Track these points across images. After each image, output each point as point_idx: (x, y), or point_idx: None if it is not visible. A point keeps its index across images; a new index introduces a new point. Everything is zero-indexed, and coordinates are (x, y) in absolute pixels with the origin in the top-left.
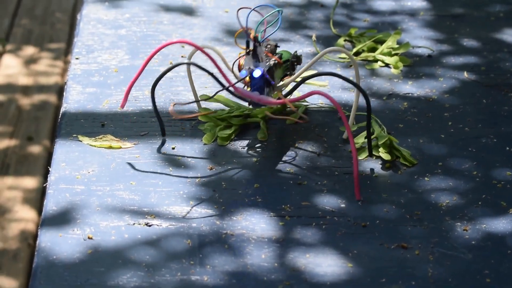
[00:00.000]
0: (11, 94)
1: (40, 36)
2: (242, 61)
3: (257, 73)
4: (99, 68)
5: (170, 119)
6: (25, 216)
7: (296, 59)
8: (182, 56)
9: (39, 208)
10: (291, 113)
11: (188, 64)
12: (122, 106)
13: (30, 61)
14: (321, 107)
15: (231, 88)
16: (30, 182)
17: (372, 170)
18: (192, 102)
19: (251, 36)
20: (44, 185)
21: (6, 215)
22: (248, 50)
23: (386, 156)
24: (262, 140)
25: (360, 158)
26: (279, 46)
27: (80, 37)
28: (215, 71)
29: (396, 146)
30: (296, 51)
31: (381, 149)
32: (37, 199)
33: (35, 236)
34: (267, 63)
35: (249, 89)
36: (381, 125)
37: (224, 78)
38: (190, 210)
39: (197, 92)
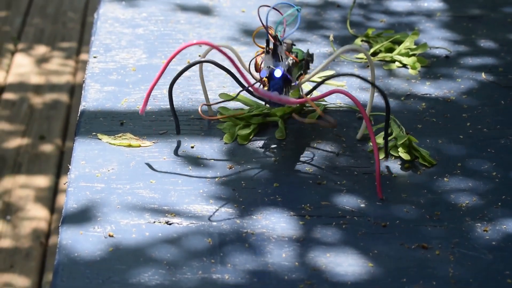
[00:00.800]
0: (23, 93)
1: (52, 35)
2: (258, 60)
3: (278, 73)
4: (117, 66)
5: (189, 118)
6: (37, 214)
7: (310, 58)
8: (199, 55)
9: (51, 206)
10: (310, 112)
11: (206, 62)
12: (142, 112)
13: (42, 60)
14: (339, 106)
15: (250, 88)
16: (42, 181)
17: (391, 170)
18: (219, 103)
19: (271, 34)
20: (65, 183)
21: (19, 213)
22: (268, 49)
23: (405, 156)
24: (280, 140)
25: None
26: (294, 45)
27: (98, 36)
28: (233, 70)
29: (415, 146)
30: (308, 50)
31: (400, 149)
32: (49, 197)
33: (47, 235)
34: (287, 63)
35: (266, 88)
36: (400, 125)
37: (242, 77)
38: (210, 208)
39: (216, 91)
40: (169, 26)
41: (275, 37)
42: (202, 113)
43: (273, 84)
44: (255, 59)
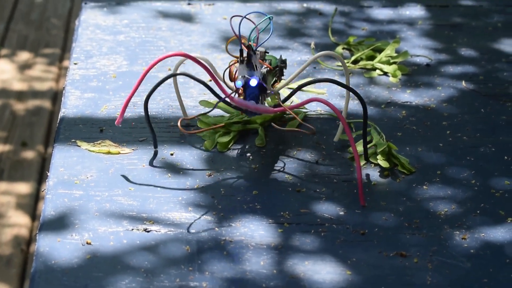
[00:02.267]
0: (6, 99)
1: (35, 41)
2: (233, 69)
3: (253, 82)
4: (98, 73)
5: (169, 125)
6: (18, 221)
7: (284, 64)
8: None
9: (32, 213)
10: (291, 120)
11: (180, 74)
12: (118, 123)
13: (24, 66)
14: (320, 114)
15: (227, 99)
16: (23, 188)
17: (370, 178)
18: (199, 116)
19: (244, 44)
20: (42, 190)
21: (0, 220)
22: (241, 58)
23: (384, 164)
24: (260, 147)
25: (350, 156)
26: (268, 52)
27: (79, 43)
28: (208, 79)
29: (395, 153)
30: (281, 56)
31: (379, 157)
32: (30, 204)
33: (28, 242)
34: (261, 71)
35: (242, 97)
36: (380, 132)
37: (219, 88)
38: (189, 216)
39: (197, 98)
40: (150, 33)
41: (248, 47)
42: (181, 128)
43: (249, 93)
44: (229, 68)
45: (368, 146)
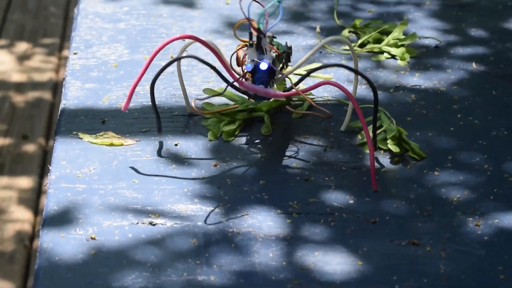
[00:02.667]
0: (5, 91)
1: (33, 31)
2: (240, 53)
3: (264, 65)
4: (98, 63)
5: (172, 114)
6: (21, 217)
7: (290, 50)
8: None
9: (35, 208)
10: (297, 106)
11: (188, 57)
12: (125, 108)
13: (23, 57)
14: (327, 100)
15: (236, 83)
16: (25, 182)
17: (381, 165)
18: (210, 97)
19: (254, 27)
20: (45, 184)
21: (2, 216)
22: (251, 42)
23: (395, 149)
24: (267, 135)
25: (366, 151)
26: (275, 37)
27: (78, 32)
28: (217, 65)
29: (405, 138)
30: (287, 42)
31: (389, 141)
32: (33, 199)
33: (31, 237)
34: (271, 55)
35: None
36: (390, 117)
37: (228, 72)
38: (195, 208)
39: (200, 86)
40: (151, 20)
41: (258, 30)
42: (195, 108)
43: (258, 77)
44: (236, 53)
45: (378, 131)
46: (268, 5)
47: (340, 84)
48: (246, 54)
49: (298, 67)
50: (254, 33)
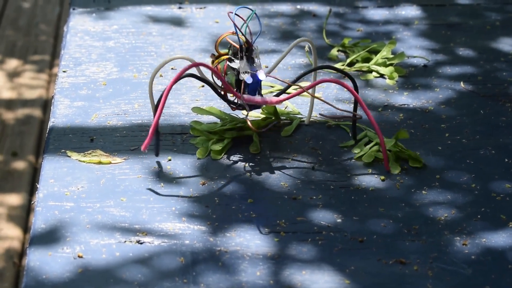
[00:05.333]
0: None
1: (24, 48)
2: (219, 66)
3: (262, 75)
4: (87, 81)
5: (161, 133)
6: (10, 234)
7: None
8: (172, 68)
9: (24, 225)
10: (287, 125)
11: (189, 76)
12: (144, 148)
13: (13, 74)
14: (314, 118)
15: (238, 99)
16: (15, 199)
17: (368, 184)
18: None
19: (248, 40)
20: (32, 202)
21: None
22: (241, 55)
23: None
24: (255, 154)
25: (360, 167)
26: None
27: (67, 50)
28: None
29: (402, 147)
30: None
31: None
32: (22, 216)
33: (20, 255)
34: (260, 64)
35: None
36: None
37: (231, 91)
38: (183, 226)
39: (189, 104)
40: (140, 38)
41: (248, 42)
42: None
43: (254, 88)
44: (216, 67)
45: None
46: (248, 18)
47: (339, 80)
48: (227, 67)
49: (274, 67)
50: (243, 46)
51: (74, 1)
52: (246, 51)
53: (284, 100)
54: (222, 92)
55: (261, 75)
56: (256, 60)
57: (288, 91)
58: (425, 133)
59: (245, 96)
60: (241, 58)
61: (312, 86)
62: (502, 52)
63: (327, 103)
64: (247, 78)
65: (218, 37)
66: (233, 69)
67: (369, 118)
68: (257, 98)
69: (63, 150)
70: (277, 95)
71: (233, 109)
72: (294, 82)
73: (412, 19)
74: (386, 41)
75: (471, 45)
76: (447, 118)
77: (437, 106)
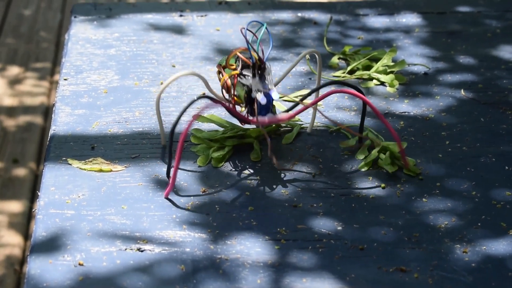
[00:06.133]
0: None
1: (26, 55)
2: (229, 82)
3: (275, 95)
4: (88, 89)
5: (163, 143)
6: (11, 241)
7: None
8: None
9: (25, 233)
10: (287, 132)
11: (205, 97)
12: (166, 195)
13: (15, 81)
14: (316, 126)
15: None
16: (16, 206)
17: (368, 191)
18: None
19: (258, 57)
20: (33, 210)
21: None
22: (254, 72)
23: (390, 169)
24: (256, 162)
25: (359, 157)
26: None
27: (68, 57)
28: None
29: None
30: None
31: (383, 161)
32: (23, 223)
33: (21, 262)
34: (271, 81)
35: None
36: (378, 135)
37: (242, 118)
38: (183, 234)
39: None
40: (141, 46)
41: (260, 59)
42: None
43: (267, 107)
44: (225, 81)
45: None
46: (261, 34)
47: (349, 90)
48: (236, 81)
49: (280, 80)
50: (255, 63)
51: (75, 9)
52: (259, 69)
53: (295, 115)
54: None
55: (274, 94)
56: (267, 77)
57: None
58: (426, 140)
59: (260, 119)
60: (254, 76)
61: (322, 98)
62: (503, 59)
63: (331, 120)
64: (261, 98)
65: (221, 47)
66: (244, 85)
67: (386, 125)
68: (270, 118)
69: (64, 158)
70: (286, 110)
71: (242, 124)
72: (304, 98)
73: (412, 27)
74: (386, 49)
75: (472, 53)
76: (447, 126)
77: (437, 113)
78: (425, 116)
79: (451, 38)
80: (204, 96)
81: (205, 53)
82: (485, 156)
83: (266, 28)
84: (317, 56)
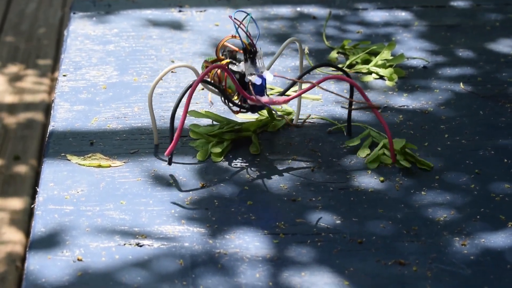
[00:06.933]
0: None
1: (26, 52)
2: (219, 71)
3: (269, 76)
4: (87, 85)
5: (160, 136)
6: (12, 238)
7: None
8: (172, 72)
9: (26, 229)
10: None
11: (204, 82)
12: (168, 153)
13: (16, 78)
14: (313, 120)
15: (251, 102)
16: (17, 203)
17: (367, 185)
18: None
19: (252, 43)
20: (32, 206)
21: None
22: (246, 57)
23: (406, 164)
24: (255, 155)
25: (362, 155)
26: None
27: (67, 54)
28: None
29: (410, 152)
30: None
31: (399, 157)
32: (24, 220)
33: (22, 259)
34: (263, 65)
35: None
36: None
37: (243, 94)
38: (182, 229)
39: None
40: (140, 42)
41: (252, 44)
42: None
43: (261, 89)
44: (216, 71)
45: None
46: (246, 21)
47: (345, 77)
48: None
49: (270, 65)
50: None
51: (74, 5)
52: (250, 54)
53: (292, 98)
54: (234, 97)
55: (268, 75)
56: (258, 62)
57: (290, 91)
58: (425, 134)
59: (259, 98)
60: (245, 61)
61: (318, 84)
62: (502, 53)
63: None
64: (256, 79)
65: (219, 41)
66: (236, 72)
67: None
68: (266, 98)
69: (63, 154)
70: (281, 94)
71: (235, 113)
72: (299, 78)
73: (411, 21)
74: (385, 43)
75: (471, 46)
76: (446, 119)
77: (436, 107)
78: (424, 110)
79: (450, 31)
80: (201, 81)
81: (204, 48)
82: (484, 149)
83: (251, 17)
84: (297, 44)
